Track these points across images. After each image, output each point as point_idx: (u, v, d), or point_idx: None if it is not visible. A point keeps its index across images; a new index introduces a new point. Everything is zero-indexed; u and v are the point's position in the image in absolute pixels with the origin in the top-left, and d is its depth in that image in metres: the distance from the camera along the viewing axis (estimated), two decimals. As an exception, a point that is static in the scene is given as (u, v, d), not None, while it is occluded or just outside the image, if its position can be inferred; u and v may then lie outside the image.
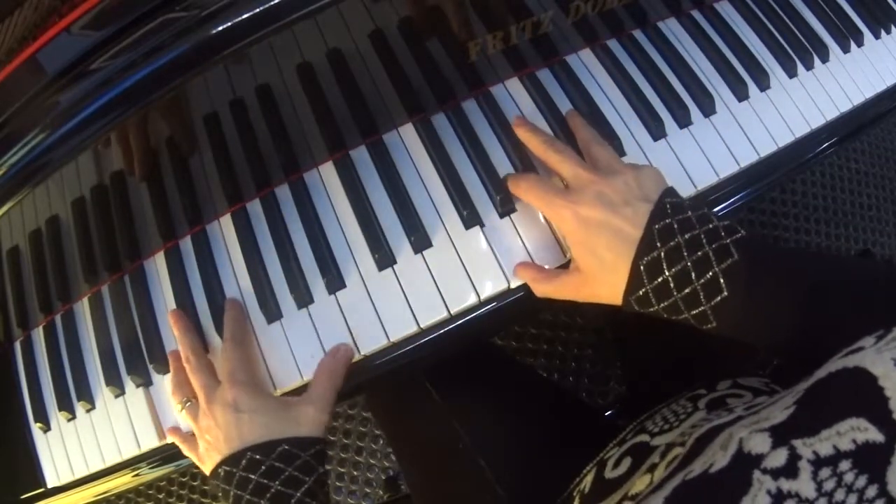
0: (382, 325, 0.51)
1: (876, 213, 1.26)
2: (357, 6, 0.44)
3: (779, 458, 0.26)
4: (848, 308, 0.39)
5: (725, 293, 0.39)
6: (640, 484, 0.37)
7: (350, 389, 0.52)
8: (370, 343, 0.50)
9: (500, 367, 0.70)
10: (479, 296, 0.51)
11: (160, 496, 1.12)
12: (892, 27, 0.65)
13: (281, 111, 0.49)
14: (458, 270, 0.51)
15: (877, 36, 0.64)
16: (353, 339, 0.51)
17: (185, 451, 0.52)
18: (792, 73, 0.60)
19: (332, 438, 1.10)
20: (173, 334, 0.53)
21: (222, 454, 0.46)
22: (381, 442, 1.10)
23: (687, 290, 0.40)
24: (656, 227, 0.42)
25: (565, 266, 0.51)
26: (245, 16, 0.40)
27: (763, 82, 0.59)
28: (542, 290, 0.49)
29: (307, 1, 0.41)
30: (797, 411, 0.28)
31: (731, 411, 0.37)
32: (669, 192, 0.44)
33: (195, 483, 1.12)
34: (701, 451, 0.31)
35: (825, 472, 0.25)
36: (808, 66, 0.61)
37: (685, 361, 0.65)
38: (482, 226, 0.52)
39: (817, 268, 0.42)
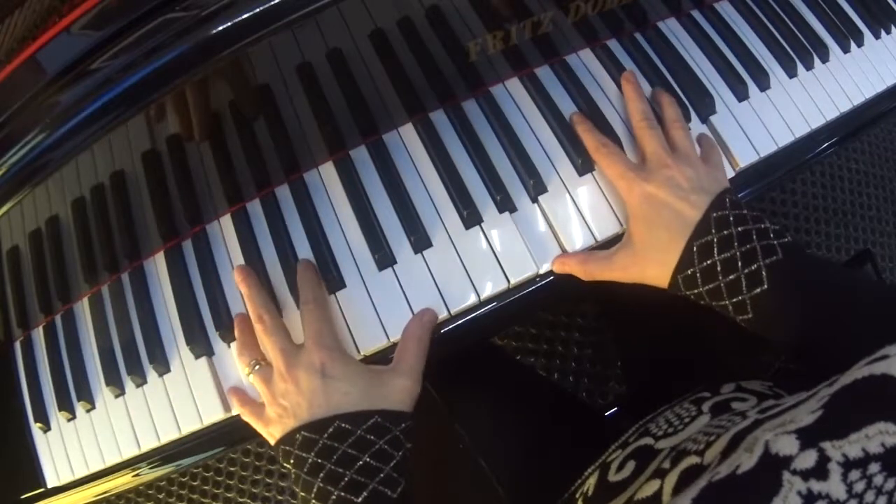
0: (382, 325, 0.51)
1: (876, 213, 1.26)
2: (357, 6, 0.44)
3: (808, 459, 0.26)
4: (873, 322, 0.41)
5: (766, 286, 0.42)
6: (647, 489, 0.37)
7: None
8: (370, 343, 0.50)
9: (500, 367, 0.70)
10: (479, 296, 0.51)
11: (160, 496, 1.12)
12: (892, 27, 0.65)
13: (281, 111, 0.49)
14: (459, 270, 0.51)
15: (877, 36, 0.64)
16: (352, 338, 0.51)
17: (246, 414, 0.49)
18: (792, 73, 0.60)
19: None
20: (239, 292, 0.52)
21: (301, 420, 0.44)
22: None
23: (731, 277, 0.43)
24: (714, 215, 0.45)
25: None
26: (245, 16, 0.40)
27: (763, 82, 0.59)
28: (589, 271, 0.50)
29: (307, 1, 0.41)
30: (825, 415, 0.28)
31: (743, 415, 0.37)
32: (730, 189, 0.48)
33: (195, 483, 1.12)
34: (726, 456, 0.31)
35: (855, 475, 0.25)
36: (808, 66, 0.61)
37: (685, 362, 0.65)
38: (482, 226, 0.52)
39: (851, 284, 0.45)
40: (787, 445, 0.27)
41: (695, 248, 0.44)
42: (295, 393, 0.45)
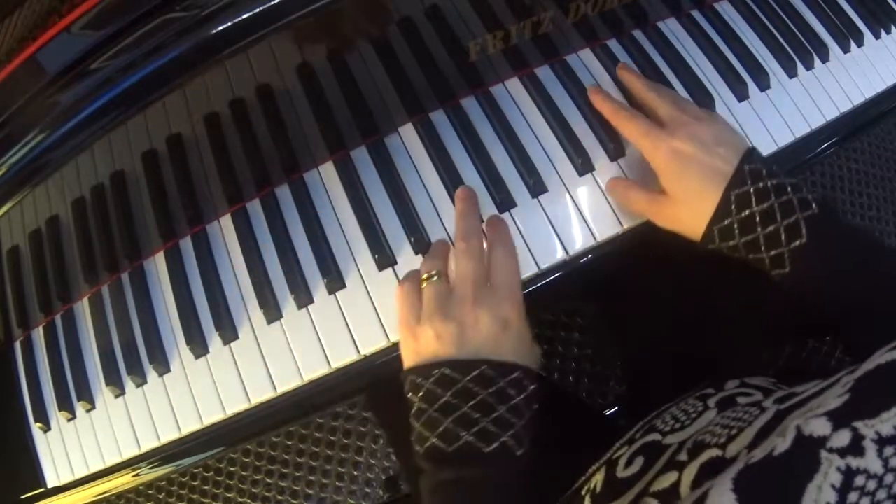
0: (383, 326, 0.51)
1: (876, 213, 1.26)
2: (357, 6, 0.44)
3: (843, 438, 0.27)
4: None
5: (805, 239, 0.42)
6: (664, 481, 0.37)
7: (350, 390, 0.52)
8: (370, 343, 0.50)
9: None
10: (479, 296, 0.51)
11: (160, 496, 1.12)
12: (892, 27, 0.65)
13: (281, 111, 0.49)
14: (459, 270, 0.51)
15: (877, 36, 0.64)
16: (352, 338, 0.51)
17: (404, 310, 0.46)
18: (792, 73, 0.60)
19: (332, 438, 1.10)
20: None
21: (456, 356, 0.43)
22: (381, 442, 1.10)
23: (770, 229, 0.43)
24: (747, 167, 0.45)
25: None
26: (245, 16, 0.40)
27: (763, 82, 0.59)
28: (631, 198, 0.51)
29: (307, 1, 0.41)
30: (853, 397, 0.28)
31: (759, 406, 0.38)
32: (755, 148, 0.47)
33: (195, 483, 1.12)
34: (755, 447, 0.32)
35: (889, 450, 0.26)
36: (808, 66, 0.61)
37: (686, 362, 0.65)
38: (482, 225, 0.52)
39: (885, 250, 0.45)
40: (819, 427, 0.28)
41: (732, 198, 0.44)
42: (472, 327, 0.43)
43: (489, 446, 0.41)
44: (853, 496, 0.25)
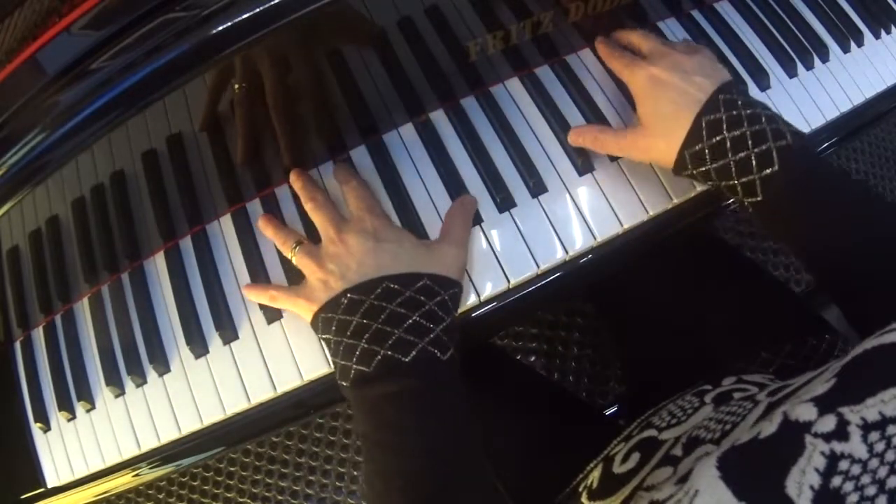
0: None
1: (876, 213, 1.26)
2: (357, 6, 0.44)
3: (828, 423, 0.27)
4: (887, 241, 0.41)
5: (776, 167, 0.43)
6: (658, 475, 0.37)
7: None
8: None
9: (500, 367, 0.70)
10: (479, 296, 0.51)
11: (160, 496, 1.12)
12: (892, 27, 0.65)
13: (281, 111, 0.49)
14: (459, 270, 0.51)
15: (877, 36, 0.64)
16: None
17: (281, 297, 0.48)
18: (792, 73, 0.60)
19: (332, 438, 1.10)
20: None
21: (351, 283, 0.43)
22: (381, 442, 1.10)
23: (741, 155, 0.43)
24: (721, 96, 0.45)
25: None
26: (245, 16, 0.40)
27: (763, 82, 0.59)
28: (602, 143, 0.52)
29: (307, 1, 0.41)
30: (838, 383, 0.29)
31: (752, 400, 0.38)
32: (734, 81, 0.48)
33: (195, 483, 1.12)
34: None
35: (875, 436, 0.26)
36: (808, 66, 0.61)
37: (685, 362, 0.65)
38: (482, 226, 0.52)
39: (866, 194, 0.45)
40: (805, 412, 0.28)
41: (703, 123, 0.45)
42: (345, 254, 0.45)
43: (408, 356, 0.41)
44: (837, 480, 0.25)
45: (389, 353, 0.41)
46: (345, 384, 0.42)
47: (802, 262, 0.45)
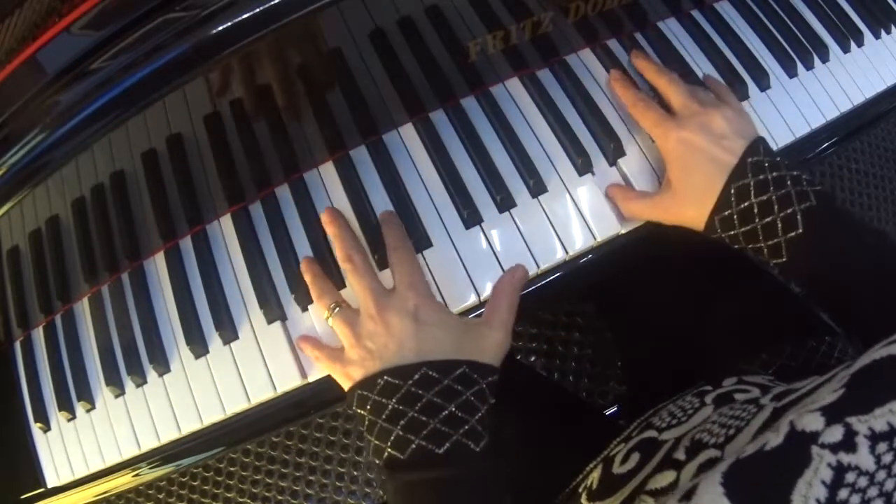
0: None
1: (876, 213, 1.26)
2: (357, 6, 0.44)
3: (835, 433, 0.27)
4: None
5: (800, 230, 0.44)
6: (662, 479, 0.37)
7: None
8: (370, 343, 0.50)
9: (500, 366, 0.70)
10: (479, 296, 0.51)
11: (160, 496, 1.12)
12: (892, 27, 0.65)
13: (281, 111, 0.49)
14: (459, 270, 0.51)
15: (877, 36, 0.64)
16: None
17: (322, 358, 0.48)
18: (792, 73, 0.60)
19: (332, 438, 1.10)
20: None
21: (387, 364, 0.43)
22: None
23: (768, 220, 0.45)
24: (750, 160, 0.46)
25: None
26: (245, 16, 0.40)
27: (763, 82, 0.59)
28: (631, 208, 0.52)
29: (307, 1, 0.41)
30: (847, 392, 0.28)
31: (756, 403, 0.38)
32: (762, 138, 0.49)
33: (195, 483, 1.12)
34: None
35: (882, 447, 0.26)
36: (808, 66, 0.61)
37: (686, 362, 0.65)
38: (482, 226, 0.52)
39: (883, 242, 0.46)
40: (812, 422, 0.28)
41: (732, 190, 0.46)
42: (384, 335, 0.44)
43: (441, 447, 0.41)
44: (843, 493, 0.25)
45: (423, 443, 0.41)
46: (378, 462, 0.43)
47: (821, 310, 0.47)
